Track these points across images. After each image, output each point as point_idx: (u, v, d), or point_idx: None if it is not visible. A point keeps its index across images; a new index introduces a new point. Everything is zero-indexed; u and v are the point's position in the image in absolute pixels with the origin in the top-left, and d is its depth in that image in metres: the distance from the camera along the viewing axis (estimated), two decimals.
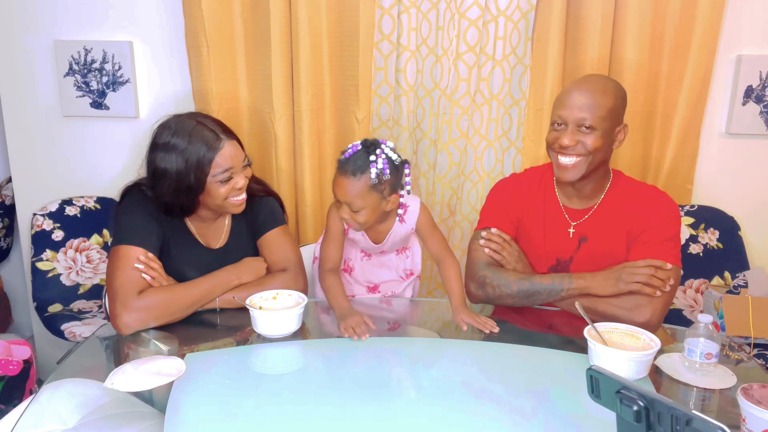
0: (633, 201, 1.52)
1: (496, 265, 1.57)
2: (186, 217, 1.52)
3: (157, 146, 1.43)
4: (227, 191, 1.44)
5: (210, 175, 1.41)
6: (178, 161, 1.39)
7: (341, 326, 1.35)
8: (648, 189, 1.55)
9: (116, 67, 2.26)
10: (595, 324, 1.21)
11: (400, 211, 1.58)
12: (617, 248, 1.51)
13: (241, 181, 1.45)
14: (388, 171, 1.44)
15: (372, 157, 1.43)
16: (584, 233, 1.55)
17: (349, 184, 1.44)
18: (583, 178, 1.49)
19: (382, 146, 1.46)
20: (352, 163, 1.44)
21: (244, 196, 1.49)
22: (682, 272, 1.50)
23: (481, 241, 1.57)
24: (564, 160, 1.47)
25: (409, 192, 1.54)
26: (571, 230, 1.56)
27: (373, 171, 1.42)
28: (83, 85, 2.28)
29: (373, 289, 1.72)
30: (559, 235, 1.57)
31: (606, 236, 1.52)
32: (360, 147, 1.46)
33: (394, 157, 1.47)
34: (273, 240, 1.58)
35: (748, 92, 2.20)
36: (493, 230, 1.58)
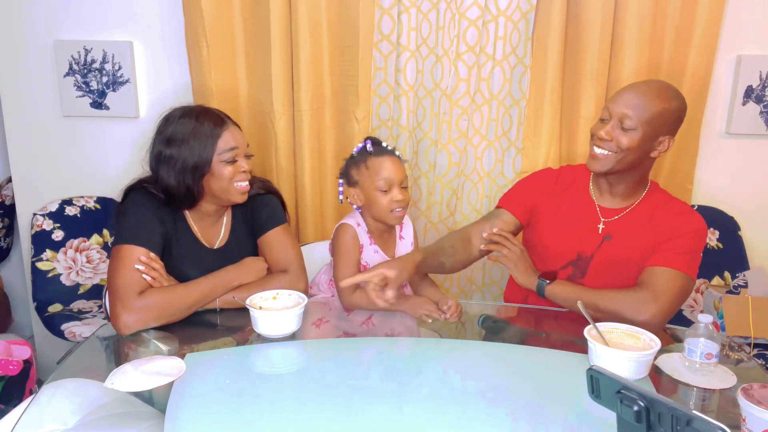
0: (664, 212, 1.53)
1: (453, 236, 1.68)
2: (189, 209, 1.53)
3: (162, 132, 1.47)
4: (232, 173, 1.47)
5: (216, 153, 1.45)
6: (185, 142, 1.44)
7: (421, 313, 1.47)
8: (680, 204, 1.57)
9: (116, 67, 2.26)
10: (595, 323, 1.21)
11: (397, 228, 1.67)
12: (638, 255, 1.51)
13: (244, 164, 1.50)
14: None
15: (384, 143, 1.57)
16: (610, 232, 1.56)
17: (397, 160, 1.55)
18: (612, 174, 1.52)
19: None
20: (385, 147, 1.57)
21: (247, 184, 1.52)
22: (695, 284, 1.51)
23: (484, 234, 1.61)
24: (596, 150, 1.51)
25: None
26: (601, 226, 1.57)
27: (396, 150, 1.58)
28: (83, 85, 2.28)
29: None
30: (586, 231, 1.58)
31: (630, 240, 1.53)
32: (369, 142, 1.58)
33: None
34: (274, 239, 1.58)
35: (748, 92, 2.20)
36: (495, 229, 1.61)
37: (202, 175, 1.46)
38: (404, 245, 1.67)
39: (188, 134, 1.44)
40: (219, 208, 1.56)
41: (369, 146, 1.56)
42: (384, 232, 1.64)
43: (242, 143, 1.50)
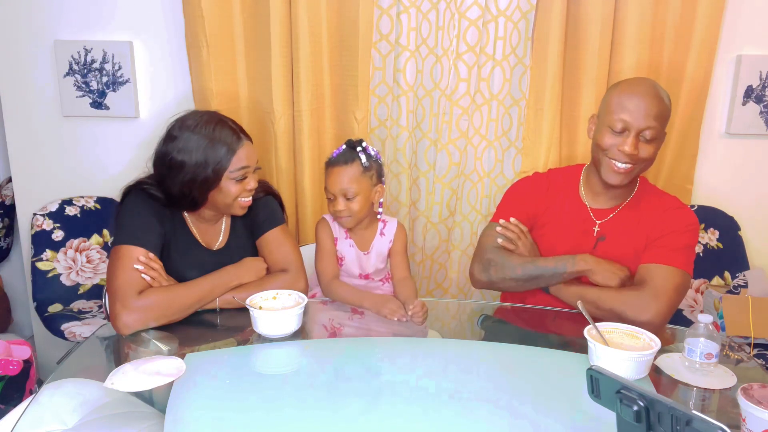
0: (655, 208, 1.53)
1: (504, 250, 1.58)
2: (189, 213, 1.53)
3: (174, 138, 1.44)
4: (239, 190, 1.47)
5: (228, 170, 1.44)
6: (199, 153, 1.42)
7: (384, 312, 1.46)
8: (671, 199, 1.57)
9: (116, 67, 2.26)
10: (595, 324, 1.21)
11: (380, 225, 1.69)
12: (632, 252, 1.51)
13: (252, 182, 1.49)
14: (373, 153, 1.62)
15: (358, 149, 1.60)
16: (604, 232, 1.56)
17: (342, 171, 1.58)
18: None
19: (363, 143, 1.63)
20: (342, 156, 1.61)
21: (250, 198, 1.52)
22: (692, 280, 1.51)
23: (498, 228, 1.59)
24: (621, 166, 1.47)
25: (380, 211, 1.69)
26: (596, 228, 1.57)
27: (362, 156, 1.59)
28: (83, 85, 2.28)
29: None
30: (582, 234, 1.58)
31: (624, 238, 1.53)
32: (344, 146, 1.63)
33: (373, 152, 1.64)
34: (273, 240, 1.58)
35: (748, 92, 2.20)
36: (512, 220, 1.60)
37: (209, 189, 1.45)
38: (383, 242, 1.69)
39: (203, 147, 1.42)
40: (217, 214, 1.56)
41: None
42: (360, 228, 1.68)
43: (254, 161, 1.49)
